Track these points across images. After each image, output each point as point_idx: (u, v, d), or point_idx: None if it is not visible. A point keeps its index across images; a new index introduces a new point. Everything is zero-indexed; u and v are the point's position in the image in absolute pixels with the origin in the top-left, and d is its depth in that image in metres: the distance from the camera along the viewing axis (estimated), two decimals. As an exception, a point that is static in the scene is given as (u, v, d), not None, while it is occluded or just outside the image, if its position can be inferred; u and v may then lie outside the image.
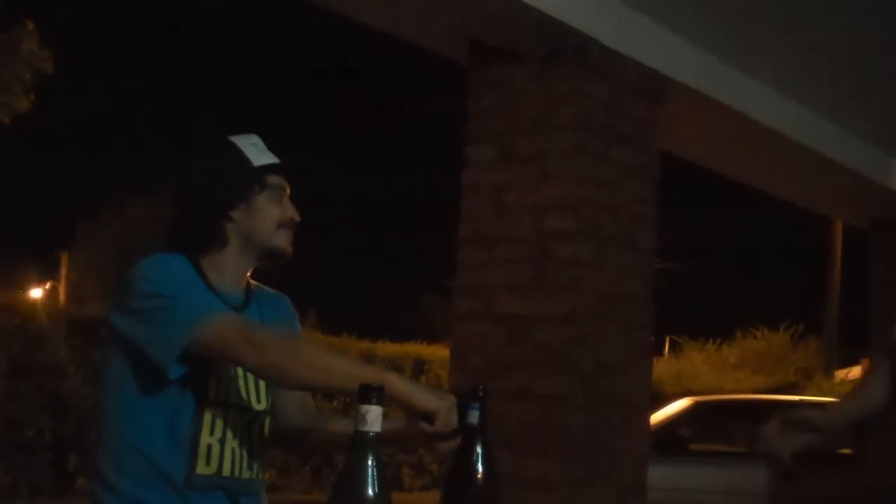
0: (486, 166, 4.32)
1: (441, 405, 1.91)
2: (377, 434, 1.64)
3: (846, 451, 8.15)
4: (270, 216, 2.21)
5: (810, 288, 24.33)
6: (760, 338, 20.98)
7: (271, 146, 2.26)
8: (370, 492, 1.63)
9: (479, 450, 1.90)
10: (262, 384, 2.21)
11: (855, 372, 19.02)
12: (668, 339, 23.64)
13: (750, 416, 10.01)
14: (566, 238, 4.11)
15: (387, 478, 1.67)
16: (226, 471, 2.14)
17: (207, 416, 2.12)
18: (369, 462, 1.64)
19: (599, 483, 4.18)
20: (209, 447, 2.12)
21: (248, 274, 2.27)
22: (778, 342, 20.73)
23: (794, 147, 5.79)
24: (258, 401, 2.21)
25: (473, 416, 1.90)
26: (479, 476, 1.90)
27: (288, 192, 2.26)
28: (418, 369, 13.16)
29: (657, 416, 8.77)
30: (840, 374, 20.21)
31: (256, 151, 2.22)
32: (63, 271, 25.93)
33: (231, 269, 2.21)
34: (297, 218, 2.25)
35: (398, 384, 1.90)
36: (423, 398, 1.92)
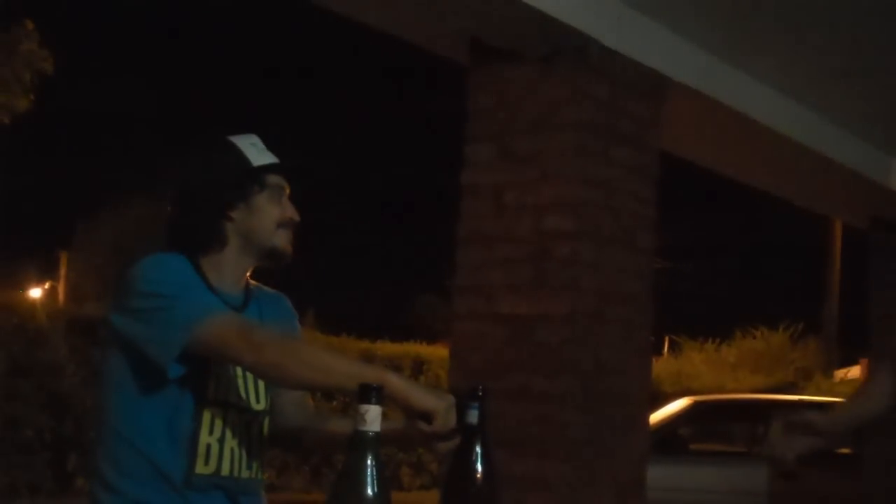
0: (486, 166, 4.31)
1: (440, 405, 1.91)
2: (376, 433, 1.64)
3: (846, 451, 8.15)
4: (270, 216, 2.21)
5: (809, 288, 24.36)
6: (759, 337, 20.99)
7: (271, 146, 2.27)
8: (369, 491, 1.63)
9: (478, 449, 1.90)
10: (261, 384, 2.21)
11: (854, 372, 19.03)
12: (667, 338, 23.65)
13: (749, 415, 10.04)
14: (566, 238, 4.11)
15: (386, 477, 1.67)
16: (225, 470, 2.14)
17: (206, 416, 2.12)
18: (368, 461, 1.64)
19: (599, 483, 4.18)
20: (208, 447, 2.12)
21: (248, 274, 2.27)
22: (777, 342, 20.74)
23: (794, 147, 5.79)
24: (257, 400, 2.21)
25: (473, 416, 1.91)
26: (479, 476, 1.90)
27: (287, 191, 2.26)
28: (417, 369, 13.16)
29: (656, 416, 8.77)
30: (839, 373, 20.22)
31: (256, 151, 2.23)
32: (62, 271, 25.93)
33: (231, 268, 2.22)
34: (297, 218, 2.26)
35: (397, 384, 1.90)
36: (422, 398, 1.92)
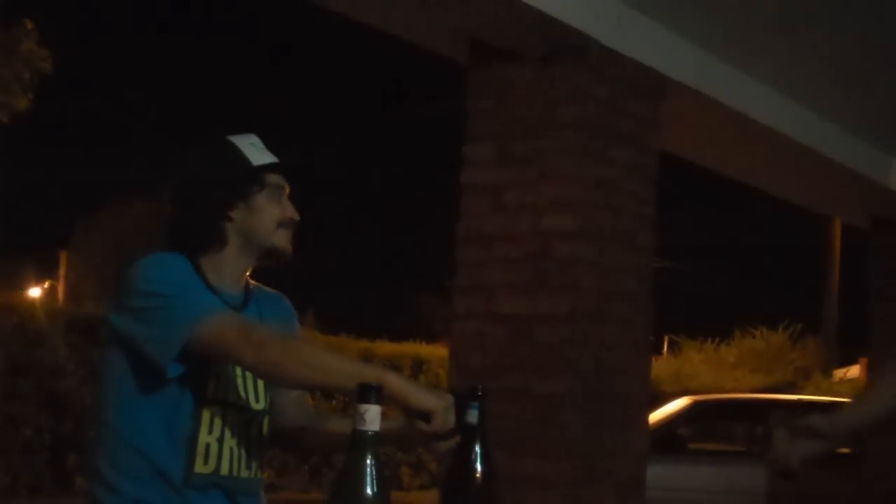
0: (486, 165, 4.31)
1: (438, 404, 1.91)
2: (376, 433, 1.64)
3: (846, 450, 8.14)
4: (270, 215, 2.21)
5: (809, 287, 24.34)
6: (759, 337, 20.98)
7: (270, 146, 2.26)
8: (369, 491, 1.63)
9: (477, 449, 1.90)
10: (260, 383, 2.21)
11: (853, 371, 19.04)
12: (666, 338, 23.64)
13: (748, 415, 10.04)
14: (565, 237, 4.11)
15: (385, 477, 1.67)
16: (224, 470, 2.14)
17: (206, 415, 2.12)
18: (368, 461, 1.64)
19: (598, 482, 4.18)
20: (207, 446, 2.12)
21: (248, 273, 2.27)
22: (776, 341, 20.72)
23: (794, 147, 5.79)
24: (257, 400, 2.21)
25: (472, 416, 1.91)
26: (478, 475, 1.90)
27: (287, 191, 2.26)
28: (417, 369, 13.16)
29: (656, 416, 8.76)
30: (838, 373, 20.22)
31: (255, 151, 2.23)
32: (62, 270, 25.93)
33: (230, 268, 2.21)
34: (297, 217, 2.26)
35: (396, 383, 1.90)
36: (421, 397, 1.92)
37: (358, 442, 1.64)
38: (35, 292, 22.40)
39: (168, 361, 2.02)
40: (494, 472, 1.91)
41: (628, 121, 4.38)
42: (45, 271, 26.24)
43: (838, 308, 22.74)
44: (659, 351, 22.27)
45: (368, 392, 1.65)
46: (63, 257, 26.00)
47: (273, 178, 2.22)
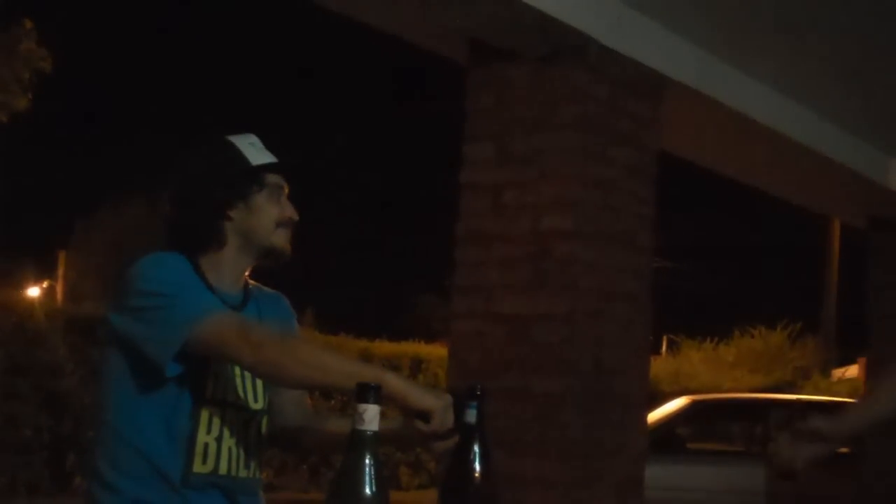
0: (485, 165, 4.32)
1: (437, 404, 1.91)
2: (374, 433, 1.64)
3: (846, 450, 8.15)
4: (269, 215, 2.21)
5: (808, 287, 24.34)
6: (758, 337, 21.00)
7: (270, 146, 2.26)
8: (368, 491, 1.63)
9: (476, 449, 1.90)
10: (259, 383, 2.21)
11: (852, 371, 19.03)
12: (665, 337, 23.67)
13: (747, 414, 10.04)
14: (564, 237, 4.11)
15: (384, 476, 1.67)
16: (222, 469, 2.14)
17: (204, 415, 2.12)
18: (367, 461, 1.64)
19: (597, 482, 4.18)
20: (206, 446, 2.12)
21: (247, 273, 2.27)
22: (775, 341, 20.75)
23: (794, 147, 5.79)
24: (255, 400, 2.21)
25: (471, 416, 1.90)
26: (477, 475, 1.89)
27: (286, 191, 2.26)
28: (416, 368, 13.15)
29: (654, 415, 8.77)
30: (837, 372, 20.23)
31: (254, 151, 2.23)
32: (61, 270, 25.94)
33: (229, 268, 2.21)
34: (296, 217, 2.26)
35: (395, 383, 1.90)
36: (420, 397, 1.92)
37: (357, 441, 1.64)
38: (34, 292, 22.41)
39: (167, 361, 2.02)
40: (493, 472, 1.91)
41: (628, 121, 4.38)
42: (44, 271, 26.28)
43: (837, 308, 22.74)
44: (658, 350, 22.30)
45: (367, 392, 1.65)
46: (62, 257, 26.02)
47: (272, 178, 2.22)
